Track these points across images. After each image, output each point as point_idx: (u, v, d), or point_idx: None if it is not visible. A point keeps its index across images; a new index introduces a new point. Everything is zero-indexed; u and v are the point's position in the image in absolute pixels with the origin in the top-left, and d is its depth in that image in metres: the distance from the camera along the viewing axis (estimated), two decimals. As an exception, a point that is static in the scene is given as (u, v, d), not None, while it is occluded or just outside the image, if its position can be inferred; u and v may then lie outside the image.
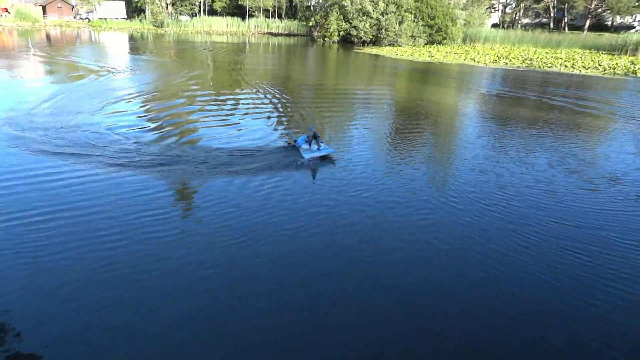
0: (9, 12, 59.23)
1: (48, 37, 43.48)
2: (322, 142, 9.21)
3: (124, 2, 70.47)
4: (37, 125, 10.24)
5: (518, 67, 29.99)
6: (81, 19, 67.04)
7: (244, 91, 16.88)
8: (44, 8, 63.72)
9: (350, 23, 48.16)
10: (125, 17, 69.30)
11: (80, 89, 15.58)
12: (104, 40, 43.81)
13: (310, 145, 9.23)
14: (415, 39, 45.75)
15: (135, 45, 40.22)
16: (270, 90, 17.13)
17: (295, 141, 9.60)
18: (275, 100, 15.13)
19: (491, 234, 6.09)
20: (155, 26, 63.46)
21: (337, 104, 14.72)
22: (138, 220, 6.09)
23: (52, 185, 7.05)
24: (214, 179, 7.60)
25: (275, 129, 11.42)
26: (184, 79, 19.14)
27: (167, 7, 65.54)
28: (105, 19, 65.95)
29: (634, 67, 28.61)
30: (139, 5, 69.32)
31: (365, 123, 12.36)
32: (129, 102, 13.80)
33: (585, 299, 4.76)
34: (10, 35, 42.24)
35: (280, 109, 13.84)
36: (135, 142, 9.35)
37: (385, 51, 40.10)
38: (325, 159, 8.98)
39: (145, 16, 67.43)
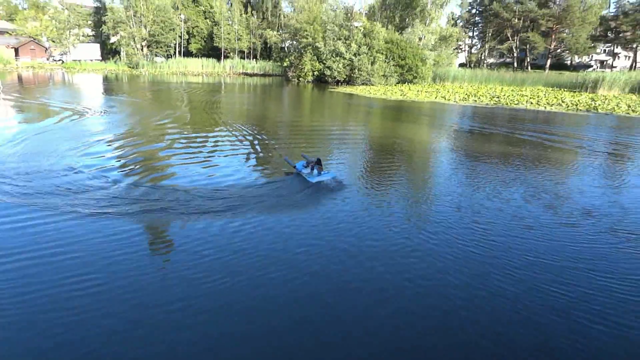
0: (-20, 54, 58.52)
1: (20, 78, 42.95)
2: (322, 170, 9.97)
3: (98, 45, 70.78)
4: (3, 171, 9.86)
5: (487, 104, 31.12)
6: (55, 60, 66.75)
7: (221, 131, 16.86)
8: (16, 50, 63.29)
9: (324, 63, 49.45)
10: (100, 58, 69.43)
11: (50, 132, 15.25)
12: (78, 81, 43.53)
13: (311, 170, 9.84)
14: (387, 78, 47.19)
15: (110, 86, 40.09)
16: (246, 129, 17.17)
17: (294, 167, 10.18)
18: (251, 139, 15.14)
19: (470, 272, 6.05)
20: (130, 67, 63.62)
21: (313, 142, 14.82)
22: (114, 267, 5.82)
23: (18, 234, 6.72)
24: (193, 221, 7.40)
25: (253, 168, 11.36)
26: (159, 119, 19.04)
27: (142, 49, 66.03)
28: (80, 60, 65.85)
29: (595, 104, 30.09)
30: (113, 47, 69.71)
31: (341, 160, 12.43)
32: (101, 144, 13.53)
33: (567, 334, 4.72)
34: (-20, 77, 41.53)
35: (257, 148, 13.83)
36: (109, 186, 9.08)
37: (358, 90, 41.12)
38: (326, 182, 9.75)
39: (120, 57, 67.67)
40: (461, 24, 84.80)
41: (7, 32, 68.19)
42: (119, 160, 11.43)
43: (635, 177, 11.68)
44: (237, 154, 12.81)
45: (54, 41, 65.52)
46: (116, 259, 6.04)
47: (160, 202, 8.25)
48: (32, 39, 64.86)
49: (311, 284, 5.63)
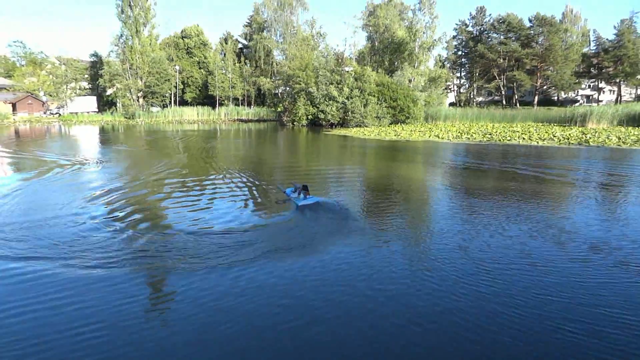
0: (-23, 110, 59.28)
1: (17, 132, 43.30)
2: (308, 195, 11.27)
3: (95, 97, 72.05)
4: (-2, 224, 9.66)
5: (480, 141, 31.50)
6: (52, 114, 67.68)
7: (218, 177, 16.80)
8: (13, 105, 64.23)
9: (318, 107, 50.34)
10: (97, 110, 70.48)
11: (46, 185, 15.12)
12: (75, 133, 43.93)
13: (298, 194, 11.19)
14: (380, 119, 47.97)
15: (106, 137, 40.43)
16: (244, 174, 17.14)
17: (284, 192, 11.77)
18: (249, 184, 15.06)
19: (477, 311, 5.81)
20: (126, 118, 64.56)
21: (310, 183, 14.73)
22: (116, 319, 5.56)
23: (17, 288, 6.47)
24: (193, 271, 7.16)
25: (252, 212, 11.21)
26: (156, 168, 19.01)
27: (138, 100, 67.23)
28: (77, 113, 66.80)
29: (586, 137, 30.55)
30: (110, 98, 70.98)
31: (340, 200, 12.31)
32: (99, 194, 13.38)
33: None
34: (-24, 132, 41.83)
35: (255, 192, 13.72)
36: (108, 237, 8.86)
37: (352, 132, 41.66)
38: (312, 206, 10.86)
39: (116, 108, 68.81)
40: (449, 65, 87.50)
41: (5, 89, 69.48)
42: (117, 211, 11.24)
43: None
44: (236, 199, 12.68)
45: (51, 95, 66.72)
46: (117, 311, 5.79)
47: (161, 251, 8.04)
48: (29, 94, 66.01)
49: (314, 328, 5.37)
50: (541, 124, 44.22)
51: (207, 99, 79.70)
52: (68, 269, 7.18)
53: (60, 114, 67.04)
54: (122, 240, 8.68)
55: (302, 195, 11.28)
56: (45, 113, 67.73)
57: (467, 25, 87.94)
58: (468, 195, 13.72)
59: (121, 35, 65.50)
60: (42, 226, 9.60)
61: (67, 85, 68.30)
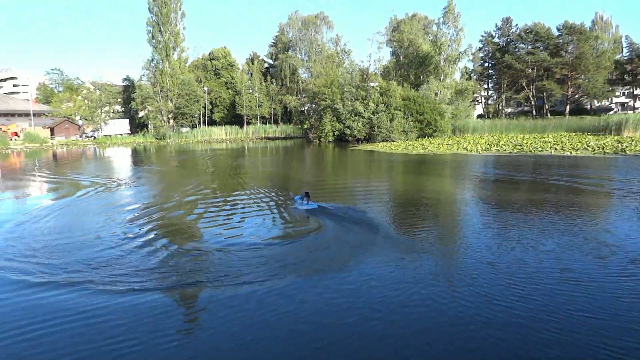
0: (19, 136, 62.27)
1: (55, 155, 45.16)
2: (310, 201, 13.03)
3: (127, 119, 74.59)
4: (30, 247, 9.99)
5: (510, 152, 30.83)
6: (87, 137, 70.37)
7: (248, 194, 16.93)
8: (52, 130, 67.14)
9: (344, 123, 50.51)
10: (129, 132, 72.86)
11: (80, 205, 15.63)
12: (108, 155, 45.48)
13: (301, 200, 13.08)
14: (407, 133, 47.67)
15: (139, 157, 41.66)
16: (272, 191, 17.24)
17: (293, 198, 13.71)
18: (278, 200, 15.13)
19: (510, 337, 5.51)
20: (157, 139, 66.41)
21: (338, 199, 14.71)
22: (146, 342, 5.62)
23: (46, 310, 6.65)
24: (226, 287, 7.18)
25: (282, 229, 11.26)
26: (186, 187, 19.37)
27: (168, 121, 69.14)
28: (110, 135, 69.19)
29: (622, 146, 29.44)
30: (142, 120, 73.32)
31: (366, 216, 12.20)
32: (129, 215, 13.72)
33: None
34: (18, 156, 43.90)
35: (283, 209, 13.76)
36: (140, 259, 9.00)
37: (379, 147, 41.51)
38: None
39: (148, 130, 70.94)
40: (475, 77, 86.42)
41: (44, 114, 72.87)
42: (150, 230, 11.48)
43: (682, 219, 11.03)
44: (266, 216, 12.74)
45: (86, 119, 69.50)
46: (150, 329, 5.85)
47: (192, 271, 8.11)
48: (66, 119, 68.96)
49: (345, 351, 5.28)
50: (574, 134, 42.96)
51: (234, 118, 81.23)
52: (104, 287, 7.33)
53: (95, 137, 69.64)
54: (151, 260, 8.82)
55: (304, 201, 12.91)
56: (81, 136, 70.52)
57: (493, 37, 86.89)
58: (500, 208, 13.38)
59: (152, 60, 67.94)
60: (72, 247, 9.87)
61: (101, 109, 71.06)
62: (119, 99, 74.97)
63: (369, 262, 8.35)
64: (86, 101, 70.38)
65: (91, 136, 70.71)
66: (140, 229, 11.49)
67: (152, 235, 10.79)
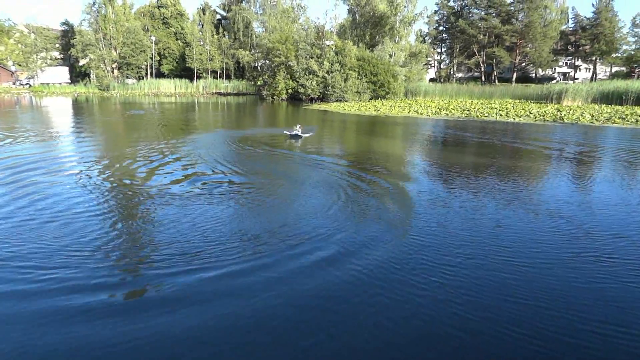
0: (-59, 80, 56.72)
1: (-16, 103, 41.69)
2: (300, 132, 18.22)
3: (67, 67, 69.59)
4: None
5: (458, 117, 31.83)
6: (21, 84, 65.21)
7: (198, 148, 16.59)
8: (-20, 75, 61.58)
9: (298, 81, 49.88)
10: (69, 81, 68.22)
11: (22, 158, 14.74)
12: (46, 104, 42.54)
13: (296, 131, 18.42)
14: (360, 94, 47.85)
15: (80, 109, 39.29)
16: (222, 147, 16.98)
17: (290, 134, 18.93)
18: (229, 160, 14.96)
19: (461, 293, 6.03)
20: (100, 90, 62.73)
21: (289, 159, 14.76)
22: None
23: None
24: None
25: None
26: (134, 139, 18.65)
27: (112, 71, 65.26)
28: (48, 84, 64.49)
29: (561, 114, 31.17)
30: (83, 69, 68.69)
31: (314, 176, 12.37)
32: (73, 168, 13.14)
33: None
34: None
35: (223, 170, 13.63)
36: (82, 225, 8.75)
37: (332, 107, 41.50)
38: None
39: (90, 80, 66.69)
40: (429, 40, 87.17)
41: (-29, 57, 66.49)
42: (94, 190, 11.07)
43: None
44: (211, 177, 12.60)
45: (20, 65, 64.20)
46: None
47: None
48: (-3, 64, 63.36)
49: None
50: (519, 101, 44.84)
51: (184, 72, 77.82)
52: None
53: (30, 85, 64.63)
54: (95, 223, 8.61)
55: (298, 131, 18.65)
56: (14, 83, 65.19)
57: (448, 0, 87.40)
58: (445, 169, 13.97)
59: (94, 3, 63.01)
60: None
61: (37, 55, 65.77)
62: (57, 45, 69.46)
63: (321, 217, 8.57)
64: (19, 45, 64.71)
65: (26, 84, 65.54)
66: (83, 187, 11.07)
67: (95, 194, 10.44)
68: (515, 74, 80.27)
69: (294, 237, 7.48)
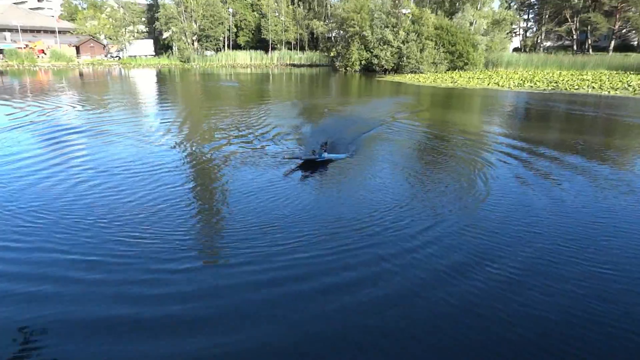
0: (45, 54, 62.38)
1: (81, 74, 45.50)
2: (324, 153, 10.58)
3: (152, 40, 73.51)
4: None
5: (544, 90, 29.57)
6: (112, 57, 70.03)
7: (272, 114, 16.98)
8: (77, 48, 66.93)
9: (372, 52, 48.85)
10: (154, 54, 72.09)
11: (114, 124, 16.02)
12: (134, 75, 45.52)
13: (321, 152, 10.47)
14: (436, 65, 45.98)
15: (163, 79, 41.63)
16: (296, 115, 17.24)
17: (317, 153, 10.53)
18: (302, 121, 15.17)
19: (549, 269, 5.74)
20: (182, 61, 65.73)
21: (363, 129, 14.66)
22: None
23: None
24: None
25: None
26: (212, 108, 19.49)
27: (193, 44, 67.97)
28: (135, 56, 68.65)
29: (666, 86, 27.83)
30: (166, 42, 72.20)
31: (391, 148, 12.19)
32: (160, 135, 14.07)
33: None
34: (46, 74, 44.37)
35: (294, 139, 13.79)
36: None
37: (407, 78, 40.30)
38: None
39: (172, 52, 70.03)
40: (515, 6, 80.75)
41: (69, 32, 72.29)
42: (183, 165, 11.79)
43: None
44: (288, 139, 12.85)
45: (111, 38, 68.79)
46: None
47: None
48: (91, 37, 68.42)
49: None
50: (615, 72, 40.59)
51: (259, 43, 79.01)
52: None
53: (120, 57, 69.25)
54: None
55: (322, 153, 10.48)
56: (106, 56, 70.20)
57: (539, -40, 79.90)
58: (524, 145, 13.12)
59: (176, -23, 65.33)
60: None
61: (125, 29, 69.95)
62: (143, 19, 73.41)
63: (393, 191, 8.50)
64: (110, 19, 69.25)
65: (116, 56, 70.32)
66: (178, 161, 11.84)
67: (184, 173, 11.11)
68: (613, 42, 72.15)
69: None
